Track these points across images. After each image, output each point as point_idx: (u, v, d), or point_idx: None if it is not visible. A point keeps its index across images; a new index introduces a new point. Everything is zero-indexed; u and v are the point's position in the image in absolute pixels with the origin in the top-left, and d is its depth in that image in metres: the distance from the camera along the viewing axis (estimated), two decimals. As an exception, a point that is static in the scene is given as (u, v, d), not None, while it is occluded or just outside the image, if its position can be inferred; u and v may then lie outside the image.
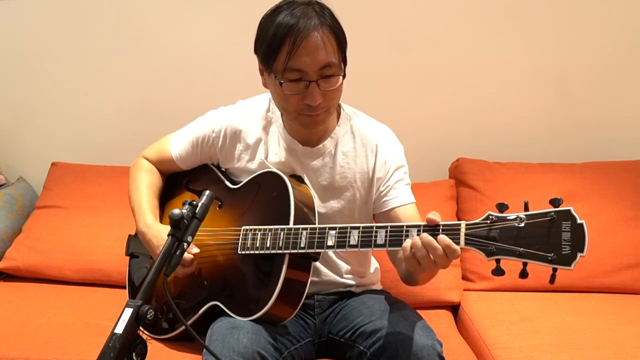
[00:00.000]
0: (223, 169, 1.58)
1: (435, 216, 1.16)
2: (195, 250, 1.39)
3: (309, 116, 1.35)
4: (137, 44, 2.28)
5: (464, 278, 1.98)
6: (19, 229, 2.14)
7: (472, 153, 2.19)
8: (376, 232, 1.22)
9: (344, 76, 1.34)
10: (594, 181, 2.07)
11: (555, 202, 1.07)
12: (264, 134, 1.49)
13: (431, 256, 1.14)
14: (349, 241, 1.24)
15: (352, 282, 1.53)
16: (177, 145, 1.59)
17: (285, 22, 1.28)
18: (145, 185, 1.58)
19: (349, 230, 1.25)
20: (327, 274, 1.50)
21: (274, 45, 1.29)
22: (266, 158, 1.48)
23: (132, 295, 1.60)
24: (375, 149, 1.48)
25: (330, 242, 1.26)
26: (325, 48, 1.28)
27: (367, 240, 1.23)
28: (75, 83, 2.34)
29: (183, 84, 2.29)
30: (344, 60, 1.35)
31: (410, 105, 2.25)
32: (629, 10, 2.18)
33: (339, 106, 1.51)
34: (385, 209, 1.46)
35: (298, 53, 1.27)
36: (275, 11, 1.32)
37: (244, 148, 1.51)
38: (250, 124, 1.51)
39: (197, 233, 1.15)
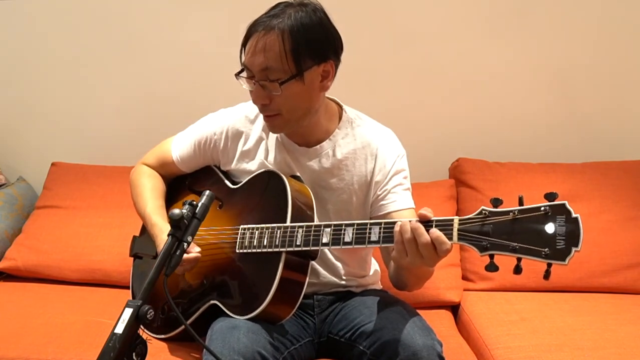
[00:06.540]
0: (224, 170, 1.58)
1: (427, 212, 1.15)
2: (196, 249, 1.37)
3: (264, 116, 1.39)
4: (137, 44, 2.28)
5: (464, 278, 1.98)
6: (19, 229, 2.14)
7: (472, 153, 2.19)
8: (370, 228, 1.22)
9: (299, 80, 1.30)
10: (594, 181, 2.07)
11: (550, 197, 1.05)
12: (263, 135, 1.50)
13: (417, 245, 1.13)
14: (343, 238, 1.24)
15: (351, 284, 1.53)
16: (178, 147, 1.59)
17: (255, 19, 1.34)
18: (148, 189, 1.59)
19: (343, 227, 1.25)
20: (326, 275, 1.50)
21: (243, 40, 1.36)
22: (265, 158, 1.48)
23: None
24: (376, 153, 1.47)
25: (325, 240, 1.26)
26: (264, 52, 1.29)
27: (361, 237, 1.23)
28: (76, 83, 2.34)
29: (183, 84, 2.29)
30: (298, 66, 1.29)
31: (410, 105, 2.25)
32: (629, 10, 2.17)
33: (341, 108, 1.51)
34: (382, 213, 1.46)
35: (246, 50, 1.33)
36: None
37: (245, 149, 1.51)
38: (250, 125, 1.51)
39: (198, 232, 1.15)
